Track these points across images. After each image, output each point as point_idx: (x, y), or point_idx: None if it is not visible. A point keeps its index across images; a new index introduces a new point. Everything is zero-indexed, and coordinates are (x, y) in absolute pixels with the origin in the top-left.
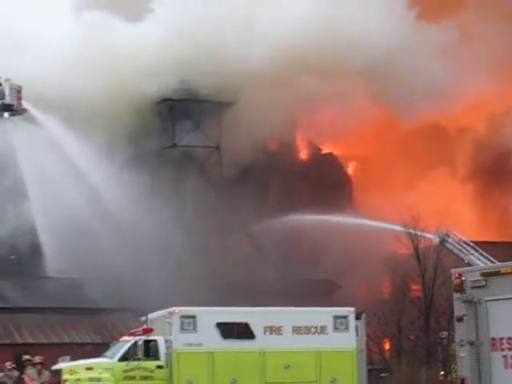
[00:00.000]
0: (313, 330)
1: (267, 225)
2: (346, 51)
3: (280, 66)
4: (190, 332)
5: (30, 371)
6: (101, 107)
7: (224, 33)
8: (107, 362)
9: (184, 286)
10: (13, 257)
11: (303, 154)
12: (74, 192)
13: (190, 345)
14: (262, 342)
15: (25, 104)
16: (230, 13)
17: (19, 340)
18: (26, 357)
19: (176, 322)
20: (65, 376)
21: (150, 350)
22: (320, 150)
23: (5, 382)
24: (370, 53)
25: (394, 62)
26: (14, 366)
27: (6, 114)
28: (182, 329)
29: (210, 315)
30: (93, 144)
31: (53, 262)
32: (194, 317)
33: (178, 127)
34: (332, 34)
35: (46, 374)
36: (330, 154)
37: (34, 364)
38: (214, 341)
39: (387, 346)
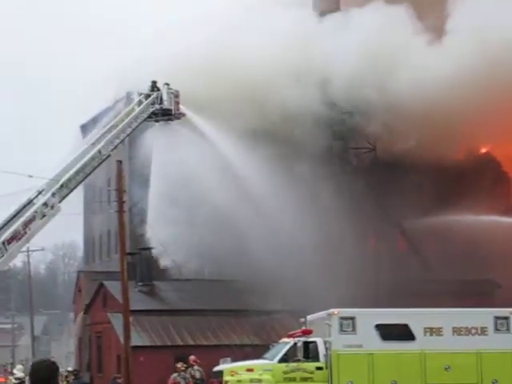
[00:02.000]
0: (473, 331)
1: (423, 223)
2: None
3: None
4: (350, 333)
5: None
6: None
7: None
8: (267, 364)
9: (341, 286)
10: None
11: (460, 153)
12: (231, 197)
13: (350, 346)
14: (422, 343)
15: (182, 108)
16: None
17: (180, 342)
18: (192, 357)
19: (335, 324)
20: (226, 377)
21: (309, 352)
22: (478, 149)
23: (178, 383)
24: None
25: None
26: (185, 365)
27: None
28: (341, 330)
29: (369, 317)
30: (253, 152)
31: (211, 266)
32: (353, 318)
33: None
34: None
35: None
36: (488, 152)
37: (191, 364)
38: (374, 342)
39: None
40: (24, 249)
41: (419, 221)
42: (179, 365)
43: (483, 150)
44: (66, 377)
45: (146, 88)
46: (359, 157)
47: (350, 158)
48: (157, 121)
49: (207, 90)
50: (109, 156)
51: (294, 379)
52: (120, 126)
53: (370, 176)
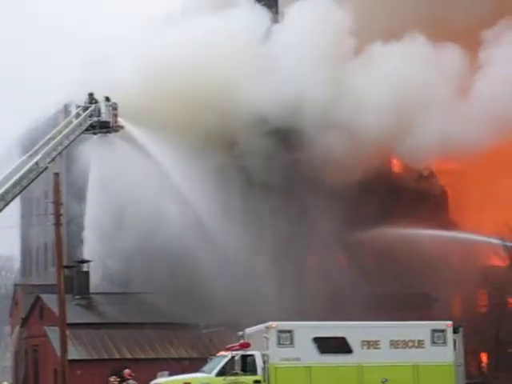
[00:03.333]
0: (410, 344)
1: (361, 238)
2: None
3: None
4: (287, 346)
5: None
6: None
7: None
8: (205, 377)
9: (280, 300)
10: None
11: (398, 168)
12: (167, 209)
13: (288, 359)
14: (359, 356)
15: (121, 121)
16: None
17: (117, 355)
18: (127, 371)
19: (273, 337)
20: None
21: (247, 365)
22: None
23: None
24: None
25: None
26: (118, 379)
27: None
28: (279, 343)
29: (307, 330)
30: (190, 162)
31: (148, 279)
32: (290, 331)
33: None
34: None
35: None
36: (427, 168)
37: (126, 378)
38: (312, 355)
39: (485, 360)
40: None
41: (359, 234)
42: (112, 378)
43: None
44: None
45: (84, 100)
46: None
47: (291, 171)
48: (95, 133)
49: (146, 102)
50: (46, 168)
51: None
52: (58, 139)
53: (309, 187)
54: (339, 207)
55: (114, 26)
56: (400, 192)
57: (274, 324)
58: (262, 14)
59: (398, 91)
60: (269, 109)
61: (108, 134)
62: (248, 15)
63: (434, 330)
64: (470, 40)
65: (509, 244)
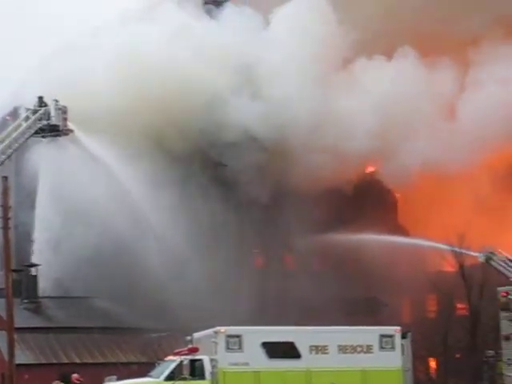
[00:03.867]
0: (358, 349)
1: (310, 243)
2: None
3: None
4: (236, 351)
5: None
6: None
7: None
8: (153, 382)
9: (229, 305)
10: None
11: (352, 175)
12: (115, 213)
13: (236, 364)
14: (307, 361)
15: (70, 124)
16: None
17: (65, 360)
18: (75, 376)
19: (221, 342)
20: None
21: (195, 370)
22: (365, 169)
23: None
24: None
25: None
26: None
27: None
28: (228, 348)
29: (256, 335)
30: (139, 166)
31: (97, 283)
32: (239, 336)
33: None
34: None
35: None
36: (375, 172)
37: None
38: (260, 360)
39: (433, 365)
40: None
41: (308, 239)
42: (55, 383)
43: (370, 170)
44: None
45: (33, 103)
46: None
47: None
48: (44, 136)
49: (96, 105)
50: None
51: None
52: (6, 142)
53: (259, 193)
54: (291, 212)
55: (74, 28)
56: (349, 197)
57: (222, 329)
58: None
59: (384, 113)
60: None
61: (58, 138)
62: (234, 21)
63: (383, 335)
64: (460, 59)
65: (457, 250)
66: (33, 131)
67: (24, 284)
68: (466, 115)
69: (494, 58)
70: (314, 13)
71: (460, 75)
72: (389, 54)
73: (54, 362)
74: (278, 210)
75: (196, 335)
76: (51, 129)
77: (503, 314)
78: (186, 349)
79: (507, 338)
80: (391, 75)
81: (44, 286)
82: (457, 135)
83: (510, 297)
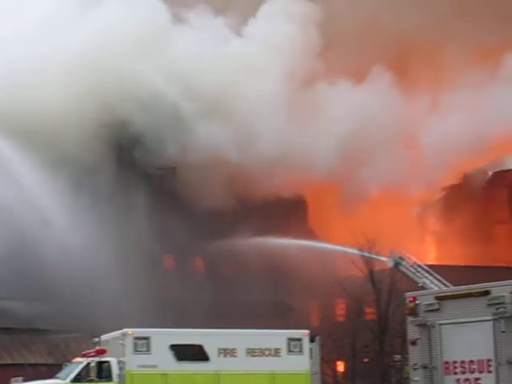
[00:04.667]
0: (267, 352)
1: (221, 247)
2: None
3: None
4: (144, 353)
5: None
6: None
7: None
8: (60, 383)
9: (138, 307)
10: None
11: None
12: (23, 214)
13: (144, 366)
14: (216, 364)
15: None
16: None
17: None
18: None
19: (129, 344)
20: None
21: (102, 372)
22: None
23: None
24: None
25: None
26: None
27: None
28: (136, 350)
29: (164, 337)
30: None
31: (4, 283)
32: (147, 338)
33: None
34: None
35: None
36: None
37: None
38: (168, 362)
39: (341, 369)
40: None
41: (218, 245)
42: None
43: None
44: None
45: None
46: (161, 177)
47: (151, 178)
48: None
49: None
50: None
51: None
52: None
53: (171, 196)
54: (202, 216)
55: None
56: (259, 202)
57: (130, 331)
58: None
59: (347, 138)
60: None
61: None
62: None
63: (291, 339)
64: (429, 84)
65: (367, 254)
66: None
67: None
68: (429, 141)
69: (463, 85)
70: (284, 32)
71: (428, 100)
72: (361, 75)
73: None
74: (190, 214)
75: (104, 337)
76: None
77: (410, 319)
78: (93, 350)
79: (413, 343)
80: (358, 99)
81: None
82: (418, 160)
83: (417, 302)
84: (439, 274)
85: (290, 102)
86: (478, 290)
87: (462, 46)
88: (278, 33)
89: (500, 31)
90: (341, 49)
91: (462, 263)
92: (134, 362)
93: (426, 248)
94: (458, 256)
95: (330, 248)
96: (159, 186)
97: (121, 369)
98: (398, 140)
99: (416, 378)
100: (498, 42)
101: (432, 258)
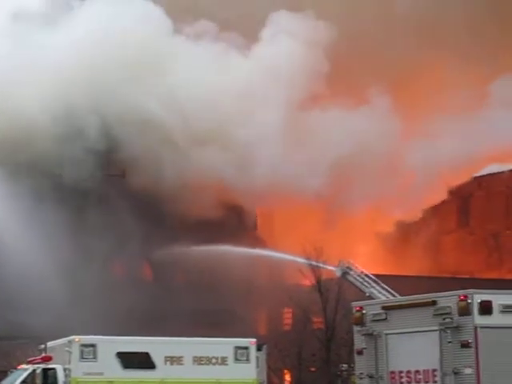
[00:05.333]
0: (214, 360)
1: (169, 254)
2: None
3: None
4: (90, 361)
5: None
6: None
7: None
8: None
9: (85, 314)
10: None
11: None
12: None
13: (90, 374)
14: (162, 372)
15: None
16: None
17: None
18: None
19: (76, 351)
20: None
21: (48, 379)
22: None
23: None
24: None
25: None
26: None
27: None
28: (82, 357)
29: (111, 344)
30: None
31: None
32: (94, 346)
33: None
34: None
35: None
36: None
37: None
38: (115, 370)
39: (288, 378)
40: None
41: (165, 252)
42: None
43: None
44: None
45: None
46: (108, 184)
47: (98, 185)
48: None
49: None
50: None
51: None
52: None
53: (117, 203)
54: (150, 224)
55: None
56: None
57: (76, 338)
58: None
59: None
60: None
61: None
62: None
63: (238, 347)
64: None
65: (314, 263)
66: None
67: None
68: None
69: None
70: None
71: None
72: (357, 98)
73: None
74: (138, 222)
75: (50, 344)
76: None
77: (357, 329)
78: (39, 357)
79: (360, 353)
80: (352, 125)
81: None
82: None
83: (363, 312)
84: (387, 284)
85: (286, 128)
86: (425, 300)
87: (451, 71)
88: (280, 56)
89: (488, 60)
90: (341, 71)
91: (410, 273)
92: (80, 370)
93: (375, 258)
94: (406, 266)
95: (277, 256)
96: (110, 191)
97: (66, 376)
98: (386, 164)
99: None
100: (487, 69)
101: (380, 268)
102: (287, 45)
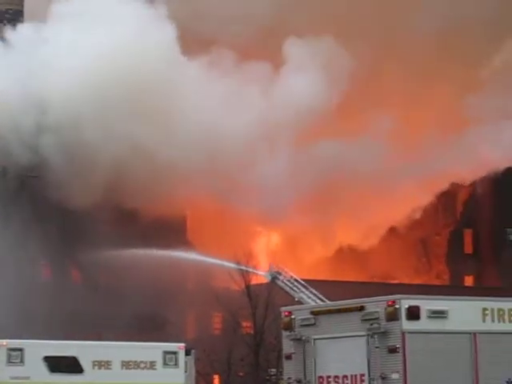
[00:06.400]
0: (142, 365)
1: (98, 258)
2: None
3: None
4: (17, 365)
5: None
6: None
7: None
8: None
9: (13, 318)
10: None
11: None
12: None
13: (17, 378)
14: (90, 376)
15: None
16: None
17: None
18: None
19: (2, 355)
20: None
21: None
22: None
23: None
24: None
25: None
26: None
27: None
28: (9, 361)
29: (38, 348)
30: None
31: None
32: (21, 350)
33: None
34: None
35: None
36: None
37: None
38: (42, 374)
39: (217, 383)
40: None
41: (95, 254)
42: None
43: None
44: None
45: None
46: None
47: (24, 185)
48: None
49: None
50: None
51: None
52: None
53: (45, 204)
54: (77, 226)
55: None
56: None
57: (4, 342)
58: None
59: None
60: None
61: None
62: None
63: (166, 352)
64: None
65: (243, 268)
66: None
67: None
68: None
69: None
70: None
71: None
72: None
73: None
74: (65, 224)
75: None
76: None
77: (285, 334)
78: None
79: (288, 358)
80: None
81: None
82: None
83: (292, 317)
84: (316, 289)
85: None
86: (353, 306)
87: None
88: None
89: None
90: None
91: (340, 279)
92: (7, 374)
93: (304, 263)
94: (338, 272)
95: (206, 261)
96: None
97: None
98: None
99: None
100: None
101: (310, 273)
102: (306, 84)
